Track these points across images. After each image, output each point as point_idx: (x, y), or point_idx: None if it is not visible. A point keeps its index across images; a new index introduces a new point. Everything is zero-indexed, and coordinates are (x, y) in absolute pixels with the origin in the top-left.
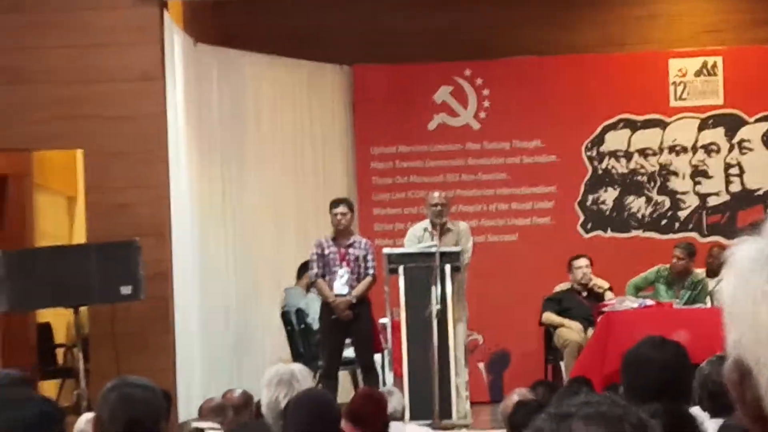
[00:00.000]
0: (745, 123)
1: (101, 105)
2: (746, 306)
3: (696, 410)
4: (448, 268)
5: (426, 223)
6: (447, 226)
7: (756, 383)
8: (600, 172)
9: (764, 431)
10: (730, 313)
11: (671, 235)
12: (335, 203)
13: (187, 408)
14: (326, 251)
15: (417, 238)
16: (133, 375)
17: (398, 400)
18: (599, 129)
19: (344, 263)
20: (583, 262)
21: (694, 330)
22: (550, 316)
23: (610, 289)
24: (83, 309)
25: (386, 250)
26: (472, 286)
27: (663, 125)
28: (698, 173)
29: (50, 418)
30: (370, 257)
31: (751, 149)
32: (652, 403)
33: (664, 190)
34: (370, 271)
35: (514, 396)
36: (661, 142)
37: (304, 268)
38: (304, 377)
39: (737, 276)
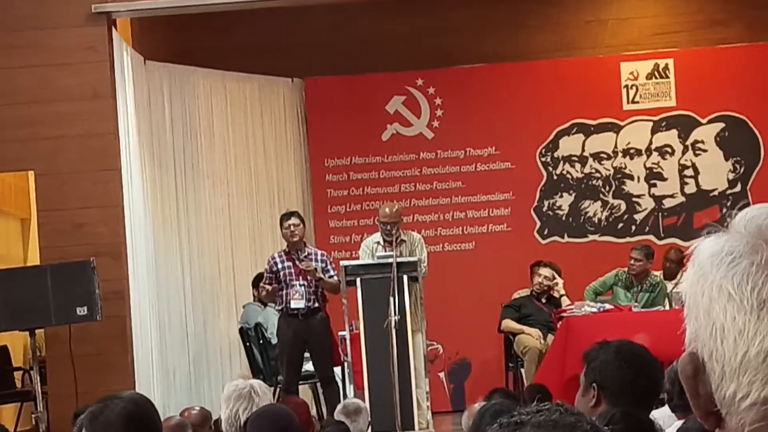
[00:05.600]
0: (698, 124)
1: (52, 125)
2: (702, 301)
3: (664, 410)
4: (405, 278)
5: (378, 236)
6: (401, 237)
7: (709, 378)
8: (555, 177)
9: (716, 426)
10: (689, 306)
11: (628, 239)
12: (286, 216)
13: None
14: (279, 266)
15: (370, 251)
16: (91, 396)
17: (365, 417)
18: (553, 134)
19: (300, 277)
20: (545, 271)
21: (653, 333)
22: (509, 323)
23: (566, 295)
24: (39, 331)
25: (344, 263)
26: (431, 296)
27: (616, 129)
28: (653, 176)
29: None
30: (330, 267)
31: (705, 150)
32: (620, 406)
33: (619, 193)
34: (335, 278)
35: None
36: (615, 146)
37: (258, 279)
38: (263, 392)
39: (696, 270)
